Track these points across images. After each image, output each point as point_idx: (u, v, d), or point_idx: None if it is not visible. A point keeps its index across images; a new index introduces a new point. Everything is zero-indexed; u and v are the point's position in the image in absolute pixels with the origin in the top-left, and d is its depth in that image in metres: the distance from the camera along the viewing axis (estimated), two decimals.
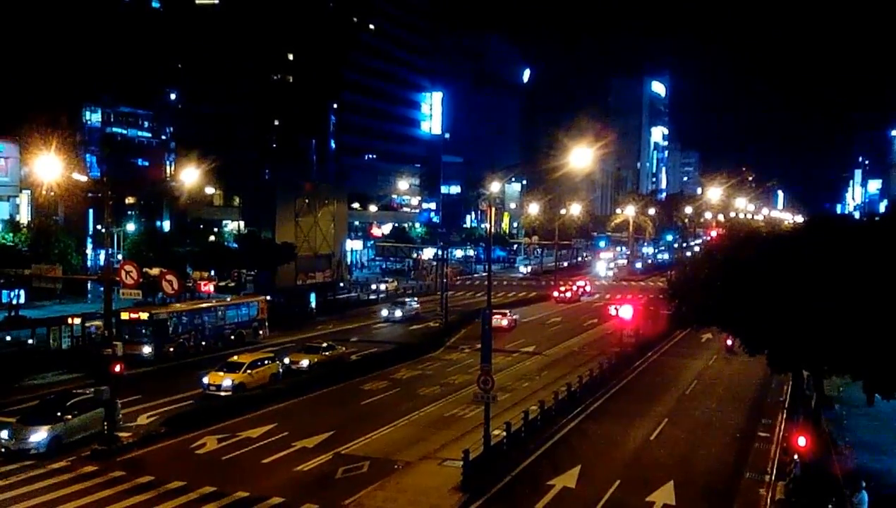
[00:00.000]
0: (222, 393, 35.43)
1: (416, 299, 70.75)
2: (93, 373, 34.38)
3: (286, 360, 41.66)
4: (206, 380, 36.39)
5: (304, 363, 41.68)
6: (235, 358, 38.62)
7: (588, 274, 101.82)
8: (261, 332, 52.16)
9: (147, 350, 43.29)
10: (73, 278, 48.97)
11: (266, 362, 38.78)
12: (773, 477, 26.41)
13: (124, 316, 43.19)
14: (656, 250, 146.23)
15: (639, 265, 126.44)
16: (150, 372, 41.54)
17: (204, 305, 49.79)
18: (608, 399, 37.58)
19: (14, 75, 71.51)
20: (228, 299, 54.56)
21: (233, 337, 49.26)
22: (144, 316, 43.89)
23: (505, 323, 59.12)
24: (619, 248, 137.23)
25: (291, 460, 27.25)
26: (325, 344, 44.57)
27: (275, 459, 27.30)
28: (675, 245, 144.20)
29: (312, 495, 23.85)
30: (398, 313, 64.15)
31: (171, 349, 44.51)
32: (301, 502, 23.26)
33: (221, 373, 36.58)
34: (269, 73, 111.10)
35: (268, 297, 55.43)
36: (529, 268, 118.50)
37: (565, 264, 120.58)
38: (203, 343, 47.05)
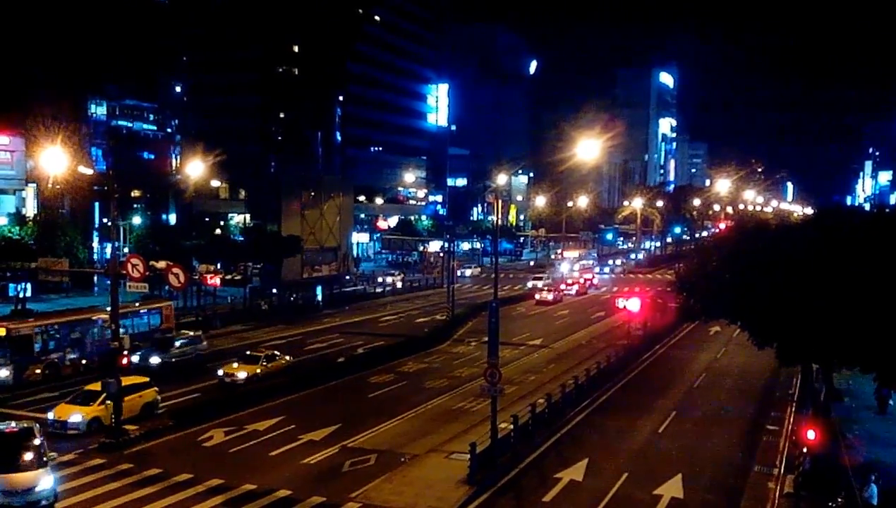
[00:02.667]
0: (70, 431, 28.39)
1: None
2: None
3: (220, 372, 36.74)
4: (51, 416, 28.96)
5: (241, 375, 36.61)
6: (92, 386, 30.43)
7: (549, 277, 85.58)
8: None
9: (4, 374, 34.89)
10: (79, 271, 49.01)
11: (142, 389, 31.16)
12: (782, 470, 26.23)
13: None
14: (662, 243, 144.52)
15: (640, 256, 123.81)
16: None
17: (84, 316, 40.68)
18: (616, 392, 37.44)
19: (19, 68, 71.49)
20: (123, 307, 46.12)
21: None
22: (1, 331, 35.46)
23: (551, 296, 68.63)
24: (599, 245, 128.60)
25: (298, 453, 27.21)
26: (266, 354, 39.53)
27: (282, 452, 27.25)
28: (685, 236, 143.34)
29: (319, 488, 23.81)
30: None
31: (39, 371, 36.32)
32: (308, 495, 23.22)
33: (73, 407, 29.14)
34: (274, 66, 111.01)
35: (171, 303, 47.71)
36: (534, 262, 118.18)
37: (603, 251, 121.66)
38: (84, 362, 38.60)
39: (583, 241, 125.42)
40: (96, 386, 29.83)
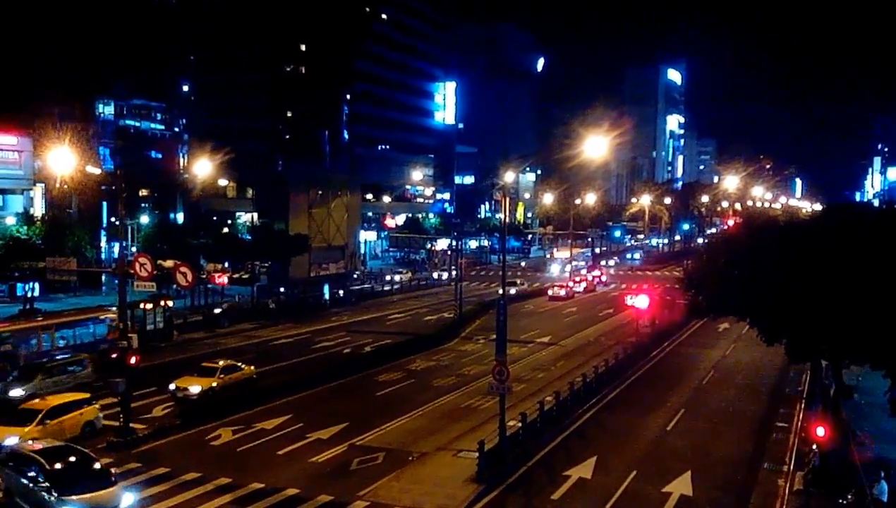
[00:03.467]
0: None
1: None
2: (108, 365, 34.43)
3: (171, 387, 33.24)
4: None
5: (195, 389, 32.77)
6: (30, 404, 28.13)
7: (541, 277, 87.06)
8: (113, 356, 37.39)
9: None
10: (87, 271, 49.19)
11: (82, 406, 28.14)
12: (792, 467, 26.11)
13: None
14: (671, 240, 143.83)
15: (637, 256, 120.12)
16: None
17: (12, 327, 37.14)
18: (624, 389, 37.35)
19: (27, 69, 71.75)
20: (63, 315, 42.27)
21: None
22: None
23: (563, 292, 70.27)
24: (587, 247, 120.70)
25: (306, 451, 27.20)
26: (224, 364, 35.28)
27: (290, 450, 27.25)
28: (698, 234, 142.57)
29: (327, 486, 23.78)
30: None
31: None
32: (316, 493, 23.19)
33: (7, 429, 26.07)
34: (281, 64, 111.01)
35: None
36: (524, 263, 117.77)
37: (597, 251, 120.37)
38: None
39: (589, 239, 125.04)
40: (38, 404, 27.52)
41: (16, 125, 65.41)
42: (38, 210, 65.14)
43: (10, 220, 59.44)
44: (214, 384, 33.51)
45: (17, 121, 65.70)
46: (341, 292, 69.74)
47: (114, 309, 40.34)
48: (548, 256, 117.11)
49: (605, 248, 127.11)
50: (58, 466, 21.18)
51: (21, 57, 71.76)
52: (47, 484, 20.66)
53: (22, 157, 66.00)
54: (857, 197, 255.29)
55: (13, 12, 72.40)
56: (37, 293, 55.90)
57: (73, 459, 21.84)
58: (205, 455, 26.81)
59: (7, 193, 66.22)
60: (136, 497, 21.75)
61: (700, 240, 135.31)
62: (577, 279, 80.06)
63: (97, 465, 21.95)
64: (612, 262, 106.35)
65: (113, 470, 22.46)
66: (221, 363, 35.47)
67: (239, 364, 36.15)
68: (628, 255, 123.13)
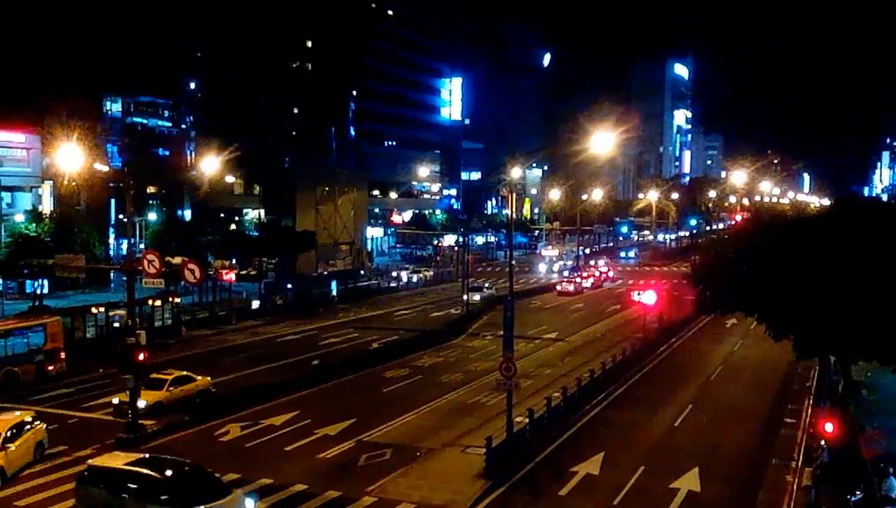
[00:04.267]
0: None
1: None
2: (116, 362, 34.50)
3: (114, 401, 30.27)
4: None
5: (141, 404, 29.30)
6: None
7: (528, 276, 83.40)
8: (50, 368, 36.64)
9: None
10: (96, 268, 49.26)
11: (26, 428, 24.97)
12: (800, 463, 26.08)
13: None
14: (677, 236, 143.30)
15: (631, 254, 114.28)
16: None
17: None
18: (632, 385, 37.32)
19: (35, 66, 71.91)
20: None
21: None
22: None
23: (571, 288, 70.84)
24: (572, 243, 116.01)
25: (314, 447, 27.28)
26: (175, 376, 32.34)
27: (298, 446, 27.35)
28: (699, 229, 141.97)
29: (335, 482, 23.85)
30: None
31: None
32: (324, 489, 23.27)
33: None
34: (288, 61, 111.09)
35: (57, 319, 38.56)
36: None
37: (587, 250, 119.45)
38: None
39: (596, 234, 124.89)
40: None
41: (24, 122, 65.60)
42: (47, 207, 65.33)
43: (19, 218, 59.65)
44: (163, 397, 30.80)
45: (26, 118, 65.86)
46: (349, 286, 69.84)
47: (123, 305, 39.15)
48: (538, 253, 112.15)
49: (597, 247, 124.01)
50: (173, 478, 19.77)
51: (29, 54, 71.94)
52: (165, 497, 19.17)
53: (30, 155, 66.22)
54: (866, 192, 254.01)
55: (20, 9, 72.58)
56: (46, 290, 56.21)
57: (185, 469, 20.60)
58: (214, 450, 26.91)
59: (16, 190, 66.43)
60: (254, 502, 21.11)
61: (709, 229, 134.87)
62: (585, 275, 79.97)
63: (213, 474, 21.00)
64: (602, 262, 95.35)
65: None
66: (173, 374, 32.56)
67: (192, 375, 33.26)
68: (623, 253, 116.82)
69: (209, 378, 34.11)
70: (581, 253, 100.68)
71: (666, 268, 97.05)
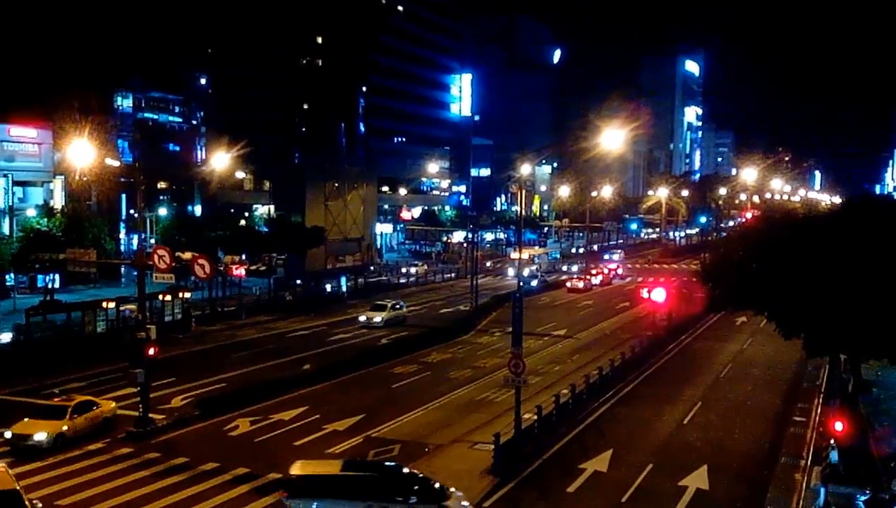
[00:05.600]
0: None
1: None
2: (127, 356, 34.70)
3: (7, 434, 26.25)
4: None
5: (40, 437, 25.91)
6: None
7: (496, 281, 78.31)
8: None
9: None
10: (106, 263, 49.51)
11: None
12: (809, 462, 25.99)
13: None
14: (687, 233, 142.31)
15: (615, 257, 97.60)
16: None
17: None
18: (640, 382, 37.26)
19: (46, 61, 72.28)
20: None
21: None
22: None
23: (581, 285, 70.05)
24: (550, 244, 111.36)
25: (323, 442, 27.37)
26: (77, 402, 27.95)
27: (306, 441, 27.44)
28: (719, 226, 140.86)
29: None
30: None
31: None
32: None
33: None
34: (298, 57, 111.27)
35: None
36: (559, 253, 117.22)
37: (595, 247, 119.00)
38: None
39: (606, 231, 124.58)
40: None
41: (35, 118, 65.92)
42: (58, 202, 65.63)
43: (31, 212, 60.00)
44: (64, 428, 26.56)
45: (37, 113, 66.20)
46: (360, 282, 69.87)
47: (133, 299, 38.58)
48: (507, 257, 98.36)
49: (579, 250, 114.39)
50: (407, 479, 20.20)
51: (40, 50, 72.32)
52: (414, 499, 19.58)
53: (42, 150, 66.50)
54: (878, 189, 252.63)
55: (32, 6, 72.92)
56: (57, 284, 56.56)
57: (404, 472, 21.03)
58: (223, 445, 27.05)
59: (27, 185, 66.76)
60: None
61: (720, 227, 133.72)
62: (595, 271, 79.85)
63: (433, 480, 20.98)
64: (574, 268, 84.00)
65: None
66: (75, 400, 28.12)
67: (95, 400, 29.15)
68: (606, 256, 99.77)
69: (113, 403, 29.75)
70: (557, 254, 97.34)
71: (675, 266, 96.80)
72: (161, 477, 23.74)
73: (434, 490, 20.31)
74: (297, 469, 20.59)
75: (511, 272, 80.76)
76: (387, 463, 22.89)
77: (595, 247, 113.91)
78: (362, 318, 52.33)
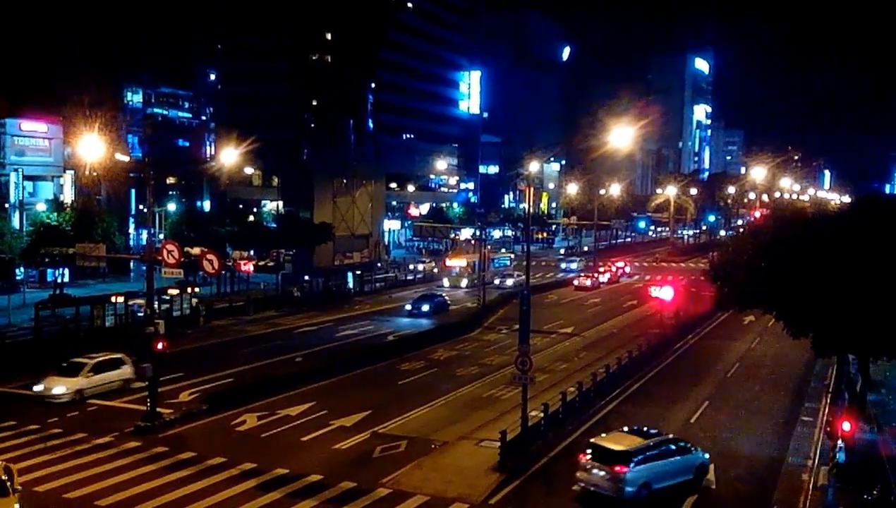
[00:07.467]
0: None
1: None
2: (136, 351, 34.84)
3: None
4: None
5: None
6: None
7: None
8: None
9: None
10: (116, 257, 49.59)
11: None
12: (817, 462, 25.90)
13: None
14: (696, 232, 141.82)
15: (574, 265, 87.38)
16: None
17: None
18: (647, 381, 37.20)
19: (56, 56, 72.53)
20: None
21: None
22: None
23: (588, 283, 71.14)
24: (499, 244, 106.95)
25: (330, 438, 27.44)
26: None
27: (313, 437, 27.51)
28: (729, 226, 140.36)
29: (350, 473, 23.99)
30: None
31: None
32: (339, 480, 23.40)
33: None
34: (307, 53, 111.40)
35: None
36: (563, 250, 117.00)
37: (603, 245, 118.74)
38: None
39: (614, 229, 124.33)
40: None
41: (46, 112, 66.21)
42: (68, 196, 65.91)
43: (41, 207, 60.25)
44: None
45: (47, 108, 66.50)
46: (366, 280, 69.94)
47: (142, 294, 38.33)
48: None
49: (581, 247, 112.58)
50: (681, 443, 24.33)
51: (51, 45, 72.56)
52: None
53: (52, 144, 66.79)
54: (887, 189, 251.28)
55: (43, 1, 73.16)
56: (66, 279, 56.79)
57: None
58: (230, 440, 27.14)
59: (37, 180, 67.06)
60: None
61: (723, 233, 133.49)
62: (602, 269, 79.73)
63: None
64: (514, 279, 71.19)
65: None
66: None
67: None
68: (563, 265, 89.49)
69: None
70: (512, 256, 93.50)
71: (683, 264, 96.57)
72: (169, 471, 23.84)
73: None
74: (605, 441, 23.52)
75: (447, 282, 73.15)
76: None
77: (586, 248, 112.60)
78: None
